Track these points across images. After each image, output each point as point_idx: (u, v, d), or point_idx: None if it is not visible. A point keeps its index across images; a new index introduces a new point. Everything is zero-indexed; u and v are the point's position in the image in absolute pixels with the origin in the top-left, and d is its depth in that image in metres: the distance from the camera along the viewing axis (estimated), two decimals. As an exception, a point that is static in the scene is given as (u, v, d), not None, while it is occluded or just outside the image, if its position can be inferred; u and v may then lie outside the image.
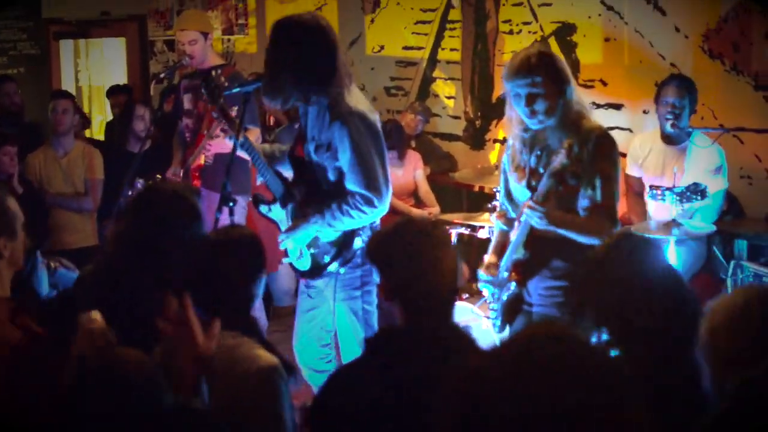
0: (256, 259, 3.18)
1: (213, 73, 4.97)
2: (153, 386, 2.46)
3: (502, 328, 4.26)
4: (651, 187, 5.25)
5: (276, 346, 3.13)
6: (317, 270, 4.47)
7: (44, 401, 2.84)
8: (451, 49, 8.62)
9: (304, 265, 4.52)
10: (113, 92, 9.42)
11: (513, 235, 4.15)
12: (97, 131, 11.19)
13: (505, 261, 4.17)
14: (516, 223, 4.13)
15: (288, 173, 4.63)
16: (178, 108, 6.56)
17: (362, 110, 4.30)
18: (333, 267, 4.40)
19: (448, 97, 8.72)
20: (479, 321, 5.61)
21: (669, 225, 5.03)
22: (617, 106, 7.03)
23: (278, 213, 4.59)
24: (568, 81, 4.02)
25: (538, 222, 3.91)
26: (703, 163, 5.50)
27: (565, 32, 7.44)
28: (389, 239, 2.98)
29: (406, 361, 2.69)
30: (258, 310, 6.34)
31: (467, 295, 6.14)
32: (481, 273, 4.31)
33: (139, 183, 5.60)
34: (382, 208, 4.31)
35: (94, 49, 12.60)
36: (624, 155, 5.55)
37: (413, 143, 8.07)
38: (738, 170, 6.08)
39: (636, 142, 5.91)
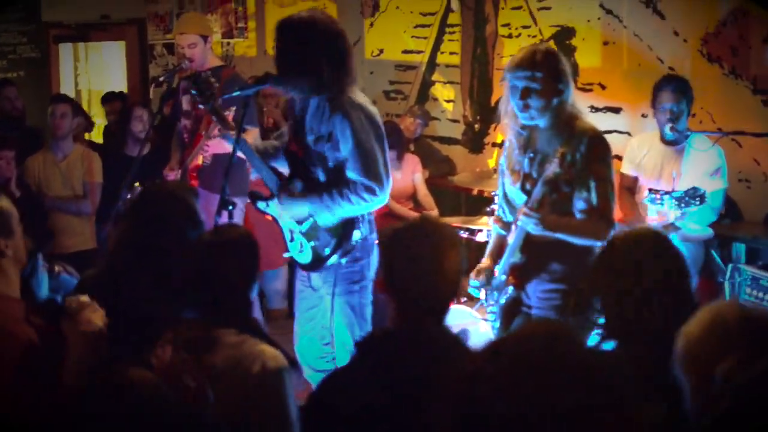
0: (252, 257, 3.19)
1: (202, 74, 4.99)
2: (160, 404, 2.47)
3: (500, 331, 4.27)
4: (650, 191, 5.24)
5: (277, 342, 3.15)
6: (318, 262, 4.48)
7: (53, 400, 2.86)
8: (451, 53, 8.62)
9: (306, 258, 4.54)
10: (108, 99, 9.42)
11: (510, 239, 4.16)
12: (96, 135, 11.19)
13: (503, 264, 4.17)
14: (513, 227, 4.14)
15: (283, 169, 4.65)
16: (176, 109, 6.57)
17: (363, 102, 4.37)
18: (334, 259, 4.42)
19: (447, 101, 8.73)
20: (478, 324, 5.62)
21: (667, 228, 5.03)
22: (616, 110, 7.04)
23: (274, 208, 4.60)
24: (567, 84, 4.03)
25: (534, 228, 3.92)
26: (701, 166, 5.50)
27: (564, 36, 7.45)
28: (394, 238, 2.98)
29: (397, 363, 2.68)
30: (256, 313, 6.34)
31: (466, 299, 6.14)
32: (472, 277, 4.32)
33: (138, 187, 5.61)
34: (383, 197, 4.35)
35: (93, 53, 12.61)
36: (620, 158, 5.56)
37: (412, 146, 8.07)
38: (736, 174, 6.08)
39: (634, 142, 5.90)
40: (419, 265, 2.81)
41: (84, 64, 12.58)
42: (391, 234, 3.01)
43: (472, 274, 4.31)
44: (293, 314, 4.88)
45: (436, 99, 8.84)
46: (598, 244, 4.01)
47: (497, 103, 8.06)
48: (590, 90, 7.13)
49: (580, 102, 4.22)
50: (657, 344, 2.79)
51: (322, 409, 2.80)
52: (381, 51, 9.34)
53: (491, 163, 7.97)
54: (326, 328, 4.64)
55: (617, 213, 5.52)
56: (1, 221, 3.03)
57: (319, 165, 4.39)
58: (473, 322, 5.65)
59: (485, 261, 4.35)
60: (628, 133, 6.83)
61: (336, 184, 4.32)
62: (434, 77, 8.84)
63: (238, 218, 5.83)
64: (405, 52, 9.10)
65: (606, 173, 4.00)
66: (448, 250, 2.84)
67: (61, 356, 2.93)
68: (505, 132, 4.32)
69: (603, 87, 7.12)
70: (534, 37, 7.71)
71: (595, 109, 6.98)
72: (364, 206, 4.34)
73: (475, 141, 8.44)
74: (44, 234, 6.64)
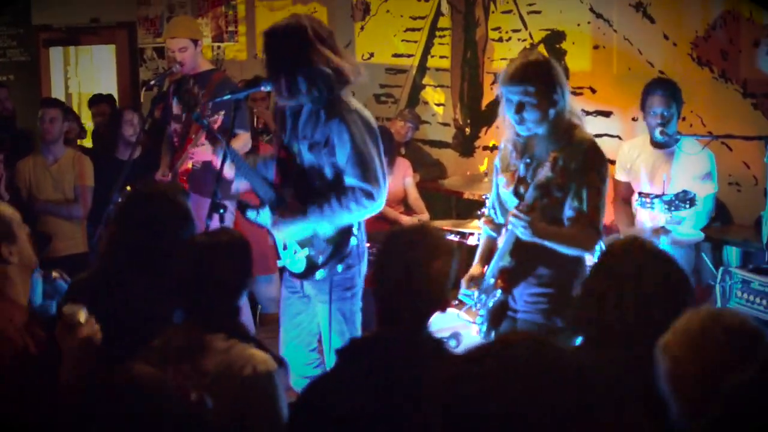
0: (244, 261, 3.19)
1: (185, 85, 5.00)
2: (163, 400, 2.46)
3: (488, 334, 4.26)
4: (640, 194, 5.25)
5: (265, 344, 3.15)
6: (312, 270, 4.47)
7: (47, 407, 2.85)
8: (441, 57, 8.63)
9: (299, 266, 4.52)
10: (95, 101, 9.40)
11: (500, 242, 4.16)
12: (86, 138, 11.16)
13: (492, 268, 4.17)
14: (503, 230, 4.14)
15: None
16: (166, 113, 6.56)
17: (358, 107, 4.37)
18: (329, 266, 4.41)
19: (438, 105, 8.73)
20: (468, 328, 5.61)
21: (657, 232, 5.04)
22: (606, 114, 7.05)
23: (266, 217, 4.59)
24: (562, 92, 4.02)
25: (522, 232, 3.89)
26: (692, 169, 5.51)
27: (554, 40, 7.46)
28: (387, 244, 2.99)
29: (379, 368, 2.67)
30: (245, 317, 6.33)
31: (456, 302, 6.14)
32: (463, 285, 4.31)
33: (129, 190, 5.60)
34: (381, 202, 4.34)
35: (83, 56, 12.59)
36: (612, 162, 5.57)
37: (403, 150, 8.07)
38: (726, 177, 6.09)
39: (625, 147, 5.91)
40: (407, 271, 2.80)
41: (74, 68, 12.56)
42: (384, 239, 3.01)
43: (464, 282, 4.31)
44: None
45: (426, 102, 8.85)
46: (586, 255, 4.04)
47: (488, 106, 8.13)
48: (580, 94, 7.13)
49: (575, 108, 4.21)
50: (636, 347, 2.80)
51: (307, 415, 2.80)
52: (371, 54, 9.35)
53: (482, 168, 7.97)
54: (313, 335, 4.64)
55: (611, 221, 5.55)
56: (3, 226, 3.01)
57: (314, 172, 4.38)
58: (464, 326, 5.64)
59: (476, 267, 4.34)
60: (619, 137, 6.84)
61: (333, 192, 4.31)
62: (425, 81, 8.85)
63: (228, 222, 5.82)
64: (395, 55, 9.10)
65: (599, 185, 4.00)
66: (436, 257, 2.83)
67: (55, 366, 2.93)
68: (502, 135, 4.32)
69: (593, 91, 7.13)
70: (524, 40, 7.72)
71: (585, 113, 6.97)
72: (364, 213, 4.34)
73: (466, 144, 8.45)
74: (37, 238, 6.61)
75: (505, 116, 4.10)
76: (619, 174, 5.84)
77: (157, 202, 3.56)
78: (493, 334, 4.24)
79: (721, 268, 5.44)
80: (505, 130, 4.20)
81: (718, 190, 5.63)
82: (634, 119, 6.69)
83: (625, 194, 5.86)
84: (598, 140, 4.16)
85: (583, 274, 4.00)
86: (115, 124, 7.61)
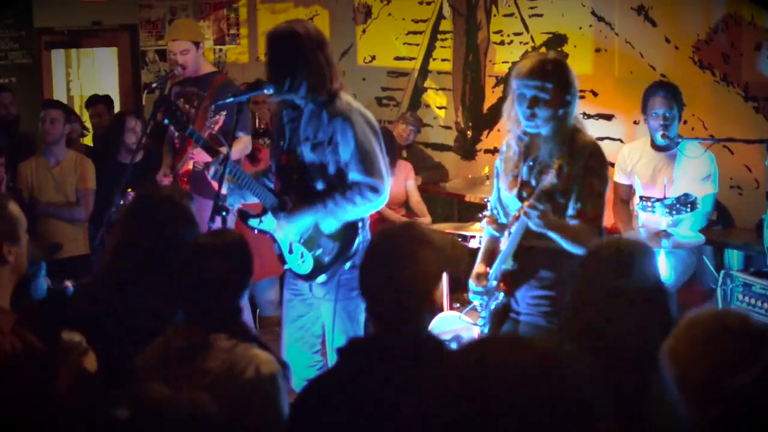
0: (245, 261, 3.19)
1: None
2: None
3: (488, 337, 4.27)
4: (641, 198, 5.26)
5: (268, 344, 3.15)
6: (320, 270, 4.49)
7: (34, 413, 2.84)
8: (443, 60, 8.64)
9: (306, 268, 4.54)
10: (92, 102, 9.40)
11: (503, 245, 4.16)
12: (86, 139, 11.16)
13: (494, 270, 4.17)
14: (506, 232, 4.14)
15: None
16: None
17: (359, 105, 4.43)
18: (336, 265, 4.42)
19: (440, 108, 8.74)
20: (470, 329, 5.62)
21: (659, 235, 5.04)
22: (608, 117, 7.06)
23: (269, 223, 4.61)
24: (575, 95, 4.05)
25: (536, 222, 3.89)
26: (693, 172, 5.52)
27: (555, 43, 7.47)
28: (370, 246, 2.99)
29: (376, 371, 2.67)
30: (246, 318, 6.32)
31: (458, 304, 6.14)
32: (472, 283, 4.31)
33: (131, 194, 5.61)
34: (385, 197, 4.39)
35: (85, 59, 12.58)
36: (612, 165, 5.57)
37: (404, 153, 8.08)
38: (728, 180, 6.10)
39: (625, 150, 5.92)
40: (386, 272, 2.80)
41: (76, 70, 12.55)
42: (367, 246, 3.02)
43: (472, 281, 4.31)
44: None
45: (428, 106, 8.85)
46: None
47: (489, 109, 8.13)
48: (582, 97, 7.11)
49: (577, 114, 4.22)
50: (635, 352, 2.81)
51: (306, 414, 2.79)
52: (373, 57, 9.35)
53: (484, 171, 7.98)
54: (316, 337, 4.65)
55: (611, 223, 5.55)
56: (9, 226, 3.01)
57: (317, 173, 4.41)
58: (466, 328, 5.65)
59: (480, 266, 4.35)
60: (620, 140, 6.84)
61: (338, 188, 4.35)
62: (426, 84, 8.85)
63: (231, 224, 5.83)
64: (397, 58, 9.11)
65: (601, 188, 4.03)
66: (417, 257, 2.81)
67: (46, 369, 2.93)
68: (506, 134, 4.32)
69: (595, 94, 7.13)
70: (526, 44, 7.73)
71: (587, 116, 6.98)
72: (369, 207, 4.37)
73: (467, 148, 8.45)
74: (48, 246, 6.62)
75: (512, 112, 4.10)
76: (619, 177, 5.85)
77: (163, 206, 3.57)
78: (495, 336, 4.25)
79: (722, 272, 5.45)
80: (509, 127, 4.20)
81: (717, 192, 5.64)
82: (635, 122, 6.70)
83: (624, 197, 5.86)
84: (599, 143, 4.17)
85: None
86: (118, 130, 7.60)
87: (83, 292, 3.63)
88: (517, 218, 4.04)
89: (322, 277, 4.48)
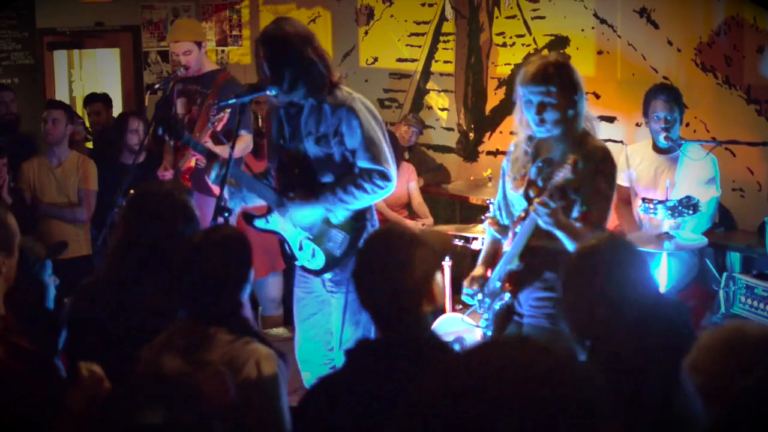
0: (244, 256, 3.20)
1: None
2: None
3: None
4: (643, 200, 5.26)
5: (268, 337, 3.16)
6: (333, 263, 4.50)
7: (23, 419, 2.84)
8: (445, 62, 8.64)
9: (318, 263, 4.54)
10: (90, 100, 9.40)
11: (508, 246, 4.15)
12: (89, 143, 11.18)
13: (498, 271, 4.16)
14: (510, 233, 4.13)
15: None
16: (169, 112, 6.54)
17: (359, 95, 4.48)
18: (348, 258, 4.42)
19: (442, 109, 8.74)
20: (472, 331, 5.62)
21: (661, 237, 5.04)
22: (610, 119, 7.06)
23: (275, 222, 4.61)
24: (581, 94, 4.05)
25: (546, 219, 3.87)
26: (695, 175, 5.52)
27: (558, 45, 7.47)
28: (362, 249, 3.00)
29: (383, 372, 2.68)
30: (248, 315, 6.32)
31: (460, 306, 6.14)
32: (465, 285, 4.31)
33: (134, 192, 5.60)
34: (393, 183, 4.44)
35: (88, 60, 12.58)
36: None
37: (406, 155, 8.08)
38: (730, 183, 6.10)
39: (627, 152, 5.92)
40: (383, 275, 2.80)
41: (78, 71, 12.56)
42: (358, 251, 3.02)
43: (465, 282, 4.31)
44: (288, 321, 4.88)
45: (430, 107, 8.85)
46: None
47: (491, 111, 8.13)
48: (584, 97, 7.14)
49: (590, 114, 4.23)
50: (625, 351, 2.82)
51: (311, 416, 2.80)
52: (375, 59, 9.36)
53: (487, 173, 7.97)
54: (330, 333, 4.65)
55: (615, 225, 5.55)
56: (6, 238, 3.01)
57: (323, 166, 4.43)
58: (468, 330, 5.65)
59: (478, 269, 4.34)
60: (622, 142, 6.84)
61: (347, 178, 4.38)
62: (428, 86, 8.86)
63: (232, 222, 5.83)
64: (399, 60, 9.11)
65: (609, 192, 4.03)
66: (412, 259, 2.81)
67: (39, 376, 2.93)
68: (508, 136, 4.32)
69: (597, 96, 7.13)
70: (528, 45, 7.73)
71: (594, 119, 6.98)
72: (379, 193, 4.40)
73: (470, 149, 8.46)
74: (54, 245, 6.62)
75: (522, 117, 4.09)
76: (621, 179, 5.84)
77: (164, 201, 3.58)
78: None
79: (724, 274, 5.45)
80: (519, 131, 4.19)
81: (720, 194, 5.64)
82: (637, 125, 6.70)
83: (626, 199, 5.86)
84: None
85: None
86: (120, 131, 7.60)
87: (86, 293, 3.63)
88: (522, 218, 4.03)
89: (333, 272, 4.49)
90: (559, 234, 3.90)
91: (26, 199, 6.87)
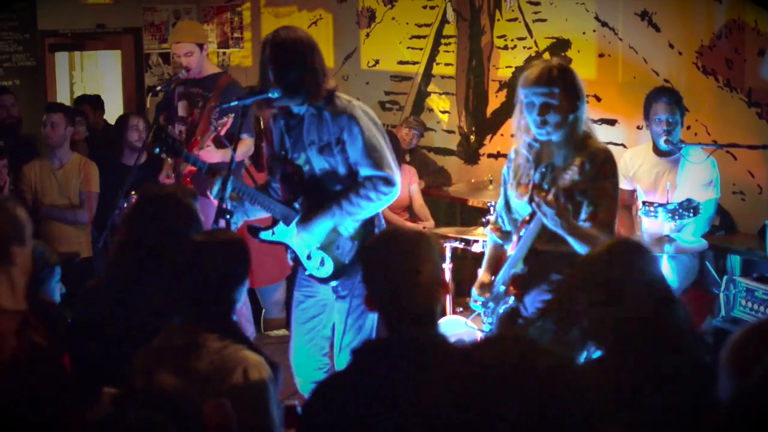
0: (240, 261, 3.20)
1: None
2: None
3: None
4: (644, 203, 5.26)
5: (258, 346, 3.16)
6: (343, 270, 4.49)
7: (35, 415, 2.85)
8: (446, 64, 8.64)
9: (327, 271, 4.52)
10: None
11: (512, 250, 4.14)
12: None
13: (503, 275, 4.16)
14: (515, 237, 4.14)
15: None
16: (171, 115, 6.54)
17: (358, 102, 4.47)
18: (356, 265, 4.40)
19: (443, 112, 8.74)
20: (474, 335, 5.62)
21: (662, 240, 5.05)
22: (611, 122, 7.06)
23: (282, 233, 4.57)
24: (583, 99, 4.06)
25: (553, 219, 3.87)
26: (696, 178, 5.53)
27: (559, 48, 7.47)
28: (368, 251, 3.00)
29: (386, 372, 2.68)
30: (248, 322, 6.33)
31: (461, 309, 6.15)
32: (475, 292, 4.31)
33: (134, 196, 5.61)
34: (398, 188, 4.40)
35: (89, 62, 12.59)
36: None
37: (407, 157, 8.08)
38: (731, 186, 6.10)
39: (627, 155, 5.93)
40: (392, 276, 2.80)
41: (79, 73, 12.56)
42: (364, 248, 3.02)
43: (475, 290, 4.31)
44: (291, 323, 4.87)
45: (431, 110, 8.86)
46: None
47: (493, 114, 8.13)
48: (586, 102, 7.14)
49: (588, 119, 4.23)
50: (640, 351, 2.82)
51: (317, 415, 2.80)
52: (377, 62, 9.36)
53: (489, 176, 7.98)
54: (326, 339, 4.64)
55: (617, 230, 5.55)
56: (17, 229, 3.04)
57: (328, 175, 4.42)
58: (470, 333, 5.65)
59: (485, 275, 4.34)
60: (623, 145, 6.84)
61: (351, 187, 4.36)
62: (430, 88, 8.86)
63: (235, 228, 5.83)
64: (401, 62, 9.12)
65: (614, 192, 4.05)
66: (419, 258, 2.82)
67: (52, 371, 2.94)
68: (509, 139, 4.32)
69: (598, 99, 7.14)
70: (529, 48, 7.74)
71: (590, 122, 6.99)
72: (384, 200, 4.37)
73: (471, 152, 8.46)
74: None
75: (522, 120, 4.09)
76: (621, 182, 5.84)
77: (167, 204, 3.59)
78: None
79: (725, 277, 5.46)
80: (518, 136, 4.19)
81: (719, 197, 5.65)
82: (638, 127, 6.70)
83: (626, 202, 5.87)
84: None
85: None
86: (120, 130, 7.62)
87: (88, 295, 3.64)
88: (527, 222, 4.04)
89: (343, 278, 4.48)
90: (566, 235, 3.89)
91: (27, 201, 6.87)
